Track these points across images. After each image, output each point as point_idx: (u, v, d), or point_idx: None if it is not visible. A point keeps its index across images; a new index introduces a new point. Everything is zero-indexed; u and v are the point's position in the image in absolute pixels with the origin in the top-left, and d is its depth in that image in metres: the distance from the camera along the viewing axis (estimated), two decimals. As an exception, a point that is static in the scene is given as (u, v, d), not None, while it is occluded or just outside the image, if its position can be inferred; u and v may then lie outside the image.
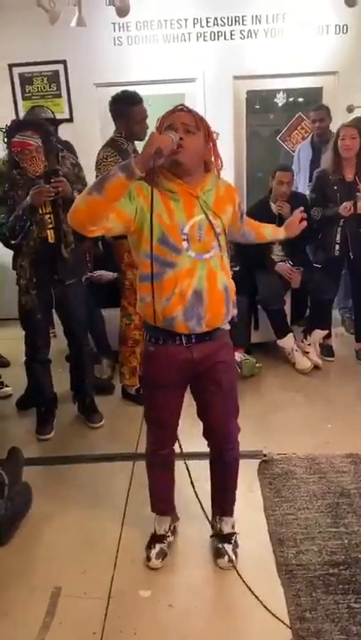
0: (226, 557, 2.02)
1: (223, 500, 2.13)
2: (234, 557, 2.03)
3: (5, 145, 2.76)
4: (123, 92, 3.14)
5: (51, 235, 2.75)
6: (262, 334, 3.93)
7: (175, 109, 1.74)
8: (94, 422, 3.11)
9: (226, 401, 1.94)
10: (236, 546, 2.08)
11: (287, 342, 3.74)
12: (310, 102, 4.88)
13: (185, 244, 1.70)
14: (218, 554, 2.06)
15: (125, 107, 3.07)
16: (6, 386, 3.57)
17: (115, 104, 3.12)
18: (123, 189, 1.58)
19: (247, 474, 2.56)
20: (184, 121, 1.69)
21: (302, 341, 3.80)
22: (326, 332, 3.84)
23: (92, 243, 3.31)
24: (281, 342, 3.76)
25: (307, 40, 4.60)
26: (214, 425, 1.99)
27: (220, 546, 2.07)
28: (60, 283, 2.87)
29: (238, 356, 3.60)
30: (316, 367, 3.71)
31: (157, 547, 2.08)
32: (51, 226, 2.74)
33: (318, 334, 3.80)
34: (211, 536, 2.13)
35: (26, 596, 1.95)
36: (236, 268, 3.96)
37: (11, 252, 2.96)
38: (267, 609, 1.81)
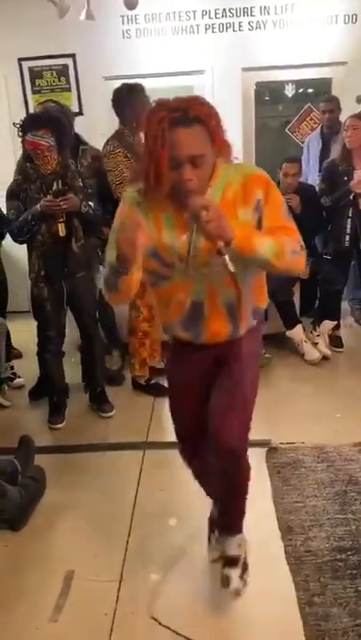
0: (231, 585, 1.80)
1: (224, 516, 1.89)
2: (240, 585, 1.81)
3: (20, 140, 2.80)
4: (125, 83, 3.16)
5: (62, 228, 2.79)
6: (271, 325, 3.92)
7: (171, 119, 1.37)
8: (105, 412, 3.16)
9: (230, 391, 1.66)
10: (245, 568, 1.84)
11: (296, 333, 3.76)
12: (320, 93, 4.86)
13: (177, 260, 1.53)
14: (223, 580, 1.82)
15: (134, 95, 3.09)
16: (19, 377, 3.63)
17: (123, 94, 3.13)
18: (129, 279, 1.48)
19: (256, 462, 2.58)
20: (188, 151, 1.39)
21: (311, 332, 3.82)
22: (335, 322, 3.85)
23: (100, 240, 3.35)
24: (290, 333, 3.77)
25: (316, 30, 4.57)
26: (212, 418, 1.66)
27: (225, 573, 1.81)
28: (71, 275, 2.91)
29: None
30: (325, 358, 3.72)
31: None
32: (62, 220, 2.78)
33: (327, 325, 3.81)
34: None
35: (40, 578, 2.00)
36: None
37: (19, 245, 3.02)
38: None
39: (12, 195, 2.87)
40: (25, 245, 2.99)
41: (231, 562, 1.82)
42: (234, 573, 1.80)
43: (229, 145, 1.52)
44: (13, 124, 2.82)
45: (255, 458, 2.59)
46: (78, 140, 3.20)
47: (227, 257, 1.36)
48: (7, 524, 2.24)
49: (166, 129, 1.37)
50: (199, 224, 1.37)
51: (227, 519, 1.87)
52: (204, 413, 1.69)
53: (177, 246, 1.51)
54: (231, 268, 1.37)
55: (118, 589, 1.92)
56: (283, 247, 1.48)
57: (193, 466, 1.93)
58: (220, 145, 1.48)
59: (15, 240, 2.94)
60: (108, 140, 3.16)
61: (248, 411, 1.70)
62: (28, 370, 3.57)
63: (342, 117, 4.13)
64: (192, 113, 1.38)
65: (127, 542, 2.13)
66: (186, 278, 1.56)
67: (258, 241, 1.45)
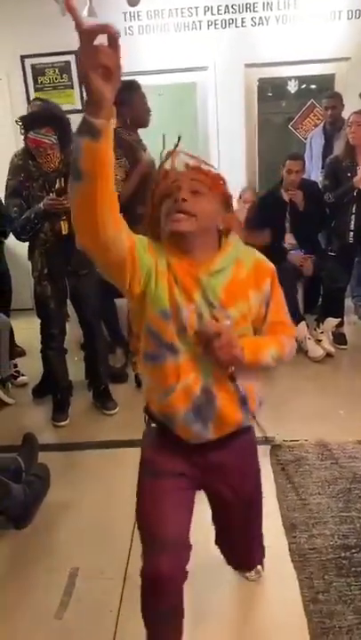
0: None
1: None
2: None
3: (22, 137, 2.80)
4: (121, 80, 3.19)
5: (64, 226, 2.79)
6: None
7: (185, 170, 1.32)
8: (109, 409, 3.16)
9: (245, 515, 1.64)
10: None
11: (300, 330, 3.74)
12: (323, 89, 4.85)
13: (185, 330, 1.31)
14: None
15: (129, 93, 3.10)
16: (22, 375, 3.63)
17: (118, 92, 3.15)
18: (98, 156, 1.08)
19: (259, 460, 2.59)
20: (194, 176, 1.30)
21: (315, 329, 3.81)
22: (339, 320, 3.85)
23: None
24: (293, 330, 3.76)
25: (319, 26, 4.56)
26: (231, 544, 1.76)
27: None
28: (74, 273, 2.91)
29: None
30: (328, 355, 3.72)
31: None
32: (64, 217, 2.78)
33: (331, 322, 3.80)
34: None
35: (45, 576, 2.00)
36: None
37: (22, 243, 3.02)
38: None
39: (14, 192, 2.87)
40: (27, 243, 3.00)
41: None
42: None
43: (238, 225, 1.42)
44: (16, 121, 2.82)
45: (259, 456, 2.61)
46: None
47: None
48: (12, 523, 2.24)
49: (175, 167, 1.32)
50: (211, 351, 1.27)
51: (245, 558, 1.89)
52: (183, 517, 1.46)
53: (185, 314, 1.30)
54: (242, 390, 1.36)
55: (123, 587, 1.92)
56: (283, 351, 1.44)
57: (168, 603, 1.42)
58: (227, 218, 1.37)
59: (18, 238, 2.94)
60: None
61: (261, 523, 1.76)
62: (31, 368, 3.58)
63: (345, 114, 4.13)
64: (205, 169, 1.34)
65: (131, 539, 2.13)
66: (192, 353, 1.32)
67: (264, 353, 1.39)
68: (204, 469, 1.47)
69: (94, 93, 1.01)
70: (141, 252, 1.27)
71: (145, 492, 1.47)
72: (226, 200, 1.37)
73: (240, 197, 4.34)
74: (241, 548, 1.77)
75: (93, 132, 1.05)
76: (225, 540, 1.74)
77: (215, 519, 1.68)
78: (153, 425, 1.47)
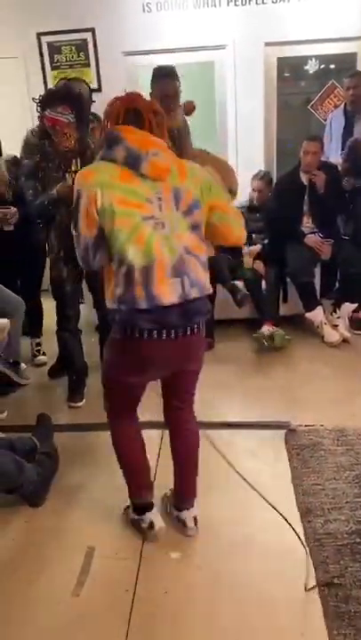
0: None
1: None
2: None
3: (38, 115, 2.77)
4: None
5: None
6: (291, 307, 3.92)
7: None
8: (124, 391, 3.16)
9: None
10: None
11: (316, 315, 3.72)
12: (343, 69, 4.73)
13: None
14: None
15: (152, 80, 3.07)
16: (43, 354, 3.65)
17: None
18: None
19: (275, 444, 2.59)
20: None
21: (331, 314, 3.78)
22: (356, 305, 3.81)
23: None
24: (310, 315, 3.74)
25: (340, 3, 4.44)
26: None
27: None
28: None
29: (267, 328, 3.61)
30: (344, 340, 3.69)
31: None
32: None
33: (348, 307, 3.77)
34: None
35: (61, 555, 2.02)
36: (265, 241, 3.94)
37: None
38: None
39: (29, 174, 2.86)
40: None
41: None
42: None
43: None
44: (33, 99, 2.79)
45: (274, 440, 2.62)
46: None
47: None
48: (26, 501, 2.26)
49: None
50: None
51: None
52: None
53: None
54: None
55: (138, 567, 1.93)
56: None
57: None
58: None
59: (35, 221, 2.94)
60: None
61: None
62: (48, 349, 3.61)
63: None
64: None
65: (147, 520, 2.14)
66: None
67: None
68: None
69: None
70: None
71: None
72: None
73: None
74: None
75: None
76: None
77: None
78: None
